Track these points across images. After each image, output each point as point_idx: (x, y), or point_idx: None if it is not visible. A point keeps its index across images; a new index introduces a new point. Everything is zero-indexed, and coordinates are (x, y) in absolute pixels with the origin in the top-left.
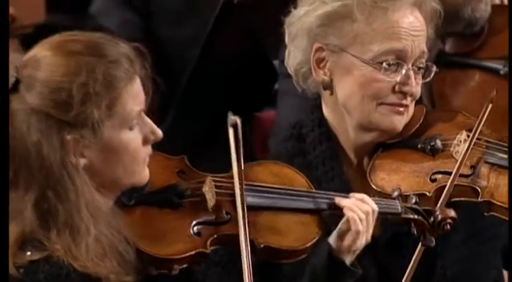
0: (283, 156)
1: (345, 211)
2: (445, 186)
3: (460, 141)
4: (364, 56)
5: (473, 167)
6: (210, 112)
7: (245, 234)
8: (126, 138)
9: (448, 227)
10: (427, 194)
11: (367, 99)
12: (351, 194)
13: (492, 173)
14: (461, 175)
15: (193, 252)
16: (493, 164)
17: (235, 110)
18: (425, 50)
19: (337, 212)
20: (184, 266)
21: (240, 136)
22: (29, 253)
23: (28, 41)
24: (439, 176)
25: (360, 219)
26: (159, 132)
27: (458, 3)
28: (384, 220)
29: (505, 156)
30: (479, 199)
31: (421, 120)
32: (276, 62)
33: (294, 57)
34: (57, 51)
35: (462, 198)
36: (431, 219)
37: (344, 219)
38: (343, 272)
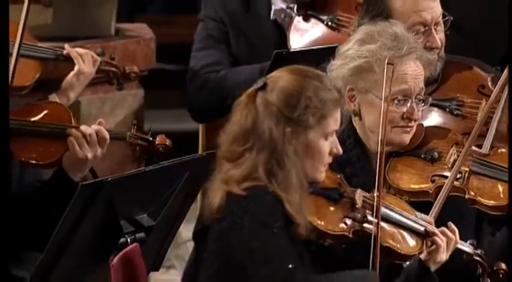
0: None
1: (436, 239)
2: (441, 185)
3: (451, 155)
4: (381, 95)
5: (461, 173)
6: None
7: (377, 233)
8: (322, 144)
9: (501, 276)
10: (429, 191)
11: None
12: (442, 229)
13: (474, 178)
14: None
15: (340, 233)
16: (476, 172)
17: None
18: (423, 86)
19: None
20: (331, 242)
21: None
22: (249, 183)
23: (145, 81)
24: (437, 178)
25: (444, 245)
26: (340, 150)
27: None
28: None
29: (485, 167)
30: (466, 196)
31: (422, 136)
32: None
33: None
34: (295, 72)
35: (455, 193)
36: (492, 268)
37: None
38: (428, 277)
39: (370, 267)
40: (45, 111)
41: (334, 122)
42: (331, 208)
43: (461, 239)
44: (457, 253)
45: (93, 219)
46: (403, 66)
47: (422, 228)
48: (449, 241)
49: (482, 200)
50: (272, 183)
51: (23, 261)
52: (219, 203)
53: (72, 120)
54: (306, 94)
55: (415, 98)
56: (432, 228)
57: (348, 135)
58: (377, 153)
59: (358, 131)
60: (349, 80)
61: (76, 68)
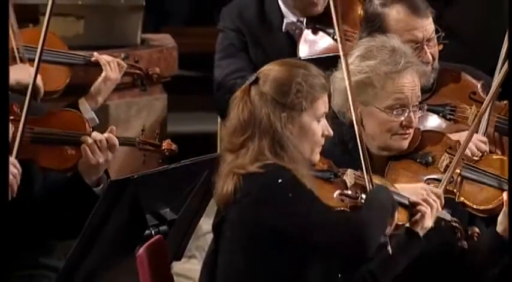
0: (336, 154)
1: (420, 208)
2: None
3: (443, 160)
4: (382, 106)
5: (453, 177)
6: None
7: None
8: (315, 126)
9: (475, 238)
10: None
11: (384, 133)
12: (425, 197)
13: (465, 183)
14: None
15: (337, 208)
16: (466, 177)
17: None
18: (420, 95)
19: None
20: None
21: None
22: (261, 163)
23: (168, 86)
24: (430, 181)
25: (429, 210)
26: (331, 132)
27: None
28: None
29: (474, 173)
30: (456, 199)
31: (419, 140)
32: None
33: (336, 101)
34: (283, 64)
35: (447, 195)
36: (467, 232)
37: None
38: (416, 241)
39: None
40: (62, 120)
41: (323, 104)
42: (327, 186)
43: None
44: (437, 220)
45: (121, 213)
46: (400, 79)
47: (406, 201)
48: (433, 208)
49: (469, 203)
50: (281, 161)
51: (51, 250)
52: (235, 187)
53: (87, 126)
54: (296, 80)
55: (412, 107)
56: (415, 198)
57: (351, 138)
58: (379, 157)
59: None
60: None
61: (104, 74)
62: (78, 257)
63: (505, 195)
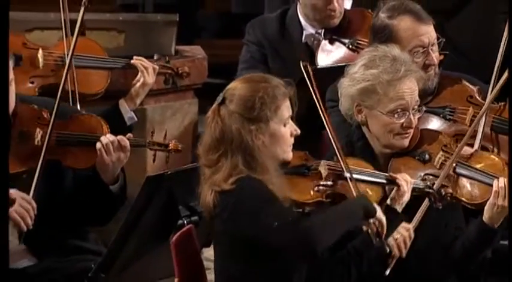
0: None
1: (398, 181)
2: (433, 183)
3: (439, 158)
4: (384, 110)
5: (448, 174)
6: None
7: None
8: (283, 130)
9: (449, 198)
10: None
11: (387, 133)
12: (402, 174)
13: (459, 179)
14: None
15: (315, 200)
16: (459, 174)
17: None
18: (418, 99)
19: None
20: (310, 208)
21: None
22: (234, 178)
23: (199, 92)
24: (428, 176)
25: (405, 186)
26: (298, 131)
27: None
28: (413, 190)
29: (466, 170)
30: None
31: (418, 138)
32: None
33: (344, 105)
34: (246, 81)
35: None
36: (441, 194)
37: (397, 184)
38: (395, 216)
39: None
40: (83, 124)
41: (287, 109)
42: (303, 181)
43: (447, 224)
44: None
45: (157, 205)
46: (401, 85)
47: (383, 178)
48: (408, 183)
49: (462, 198)
50: (253, 173)
51: (86, 235)
52: (213, 202)
53: (104, 128)
54: (258, 95)
55: (412, 110)
56: (393, 174)
57: (358, 139)
58: (382, 155)
59: (367, 135)
60: (356, 98)
61: (142, 80)
62: (119, 244)
63: (493, 190)
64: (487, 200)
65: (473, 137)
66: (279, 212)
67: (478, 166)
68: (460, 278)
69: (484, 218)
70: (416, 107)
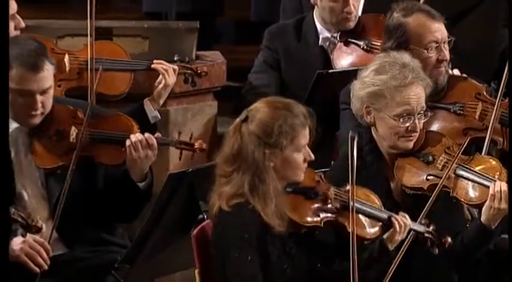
0: (348, 158)
1: (394, 224)
2: (435, 183)
3: (442, 160)
4: (391, 114)
5: (449, 175)
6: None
7: (352, 225)
8: (296, 156)
9: (447, 246)
10: (424, 187)
11: (393, 135)
12: (401, 213)
13: (459, 180)
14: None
15: (313, 225)
16: (459, 176)
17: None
18: (424, 105)
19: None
20: (306, 230)
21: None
22: (234, 201)
23: (218, 95)
24: (430, 177)
25: (402, 229)
26: (313, 156)
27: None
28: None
29: (466, 171)
30: (451, 194)
31: (423, 140)
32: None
33: (354, 105)
34: (269, 105)
35: (444, 189)
36: (440, 241)
37: (394, 227)
38: (387, 255)
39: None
40: (115, 122)
41: (304, 139)
42: (307, 204)
43: (449, 223)
44: (409, 232)
45: (179, 200)
46: (407, 91)
47: (385, 218)
48: (405, 226)
49: (461, 198)
50: (254, 197)
51: (114, 229)
52: (214, 214)
53: (134, 128)
54: (277, 123)
55: (417, 114)
56: (393, 214)
57: (366, 143)
58: (389, 155)
59: (375, 136)
60: (366, 101)
61: (163, 82)
62: (144, 237)
63: (490, 194)
64: (485, 201)
65: (483, 130)
66: (242, 264)
67: (477, 168)
68: (459, 274)
69: (481, 219)
70: (422, 111)
